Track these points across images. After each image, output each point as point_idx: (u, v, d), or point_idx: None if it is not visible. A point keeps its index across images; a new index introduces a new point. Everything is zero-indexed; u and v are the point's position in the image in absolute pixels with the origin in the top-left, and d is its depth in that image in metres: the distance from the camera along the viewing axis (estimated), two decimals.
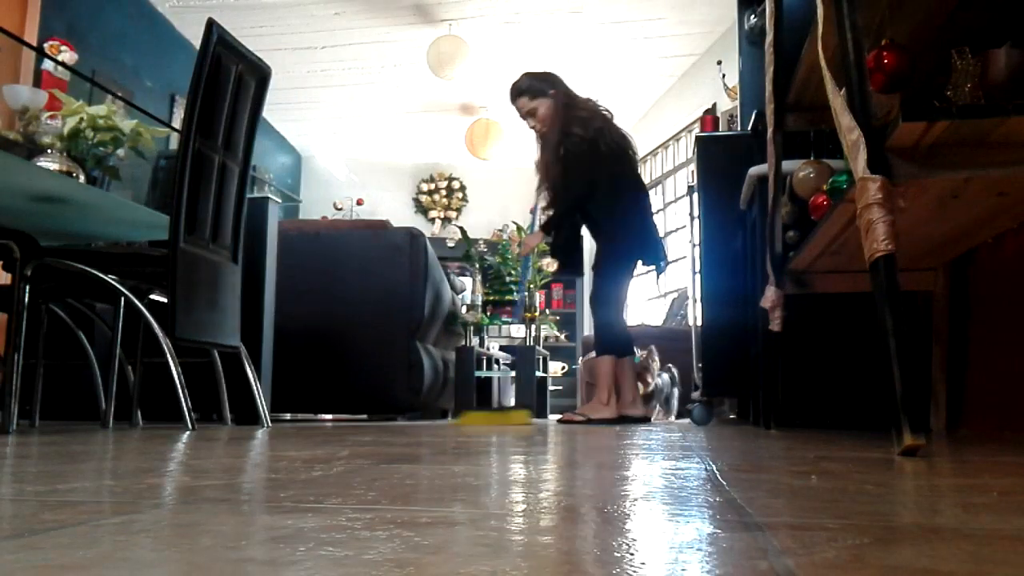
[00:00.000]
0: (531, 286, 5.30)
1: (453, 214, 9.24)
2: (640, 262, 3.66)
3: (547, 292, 8.71)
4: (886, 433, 1.42)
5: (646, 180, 7.88)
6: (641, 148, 7.82)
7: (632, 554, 0.48)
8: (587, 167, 3.45)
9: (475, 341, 5.01)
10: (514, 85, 3.67)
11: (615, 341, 3.55)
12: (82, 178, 2.50)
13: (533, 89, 3.60)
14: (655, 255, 3.64)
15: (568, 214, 3.58)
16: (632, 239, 3.54)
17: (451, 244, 8.44)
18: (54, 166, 2.43)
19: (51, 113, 2.63)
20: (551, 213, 3.62)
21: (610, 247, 3.58)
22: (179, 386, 2.46)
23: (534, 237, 3.79)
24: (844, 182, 2.04)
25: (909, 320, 1.47)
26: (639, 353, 4.43)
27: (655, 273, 3.85)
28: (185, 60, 4.99)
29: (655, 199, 7.76)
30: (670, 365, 4.90)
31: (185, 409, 2.44)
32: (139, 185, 3.46)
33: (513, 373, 5.29)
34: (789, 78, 2.44)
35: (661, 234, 7.49)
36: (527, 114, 3.62)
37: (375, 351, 3.93)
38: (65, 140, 2.52)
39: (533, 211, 4.11)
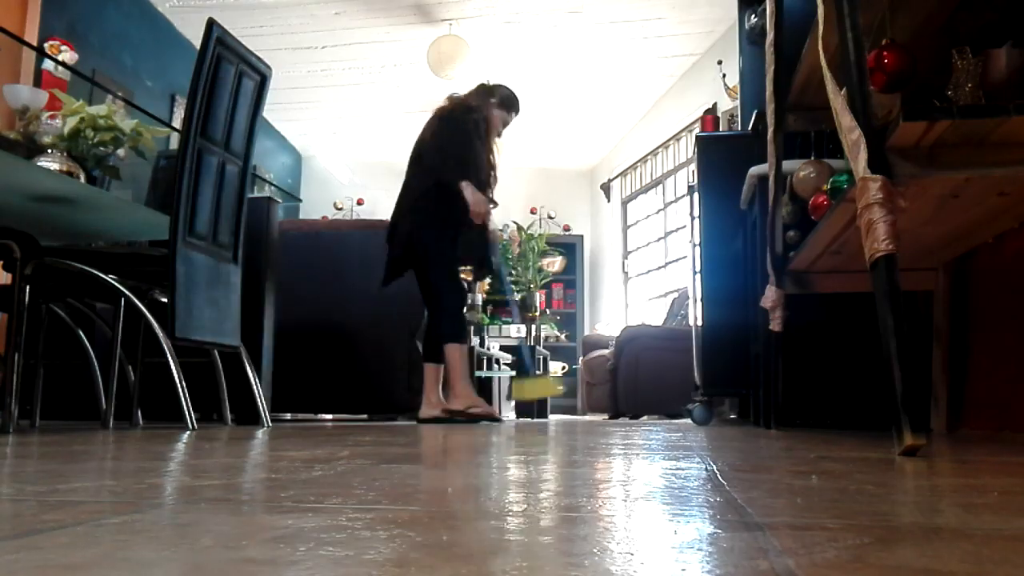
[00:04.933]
0: (532, 286, 5.31)
1: None
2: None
3: (547, 292, 8.71)
4: (886, 433, 1.42)
5: (647, 180, 7.90)
6: (641, 148, 7.87)
7: (632, 554, 0.48)
8: None
9: (475, 341, 5.02)
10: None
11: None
12: (82, 178, 2.50)
13: None
14: None
15: None
16: None
17: None
18: (54, 166, 2.43)
19: (51, 113, 2.63)
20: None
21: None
22: (179, 386, 2.46)
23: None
24: (845, 182, 2.04)
25: (909, 320, 1.47)
26: None
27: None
28: (185, 60, 4.99)
29: (656, 199, 7.77)
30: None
31: (185, 409, 2.44)
32: (139, 185, 3.45)
33: (513, 373, 5.30)
34: (790, 78, 2.44)
35: (662, 234, 7.53)
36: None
37: (375, 351, 3.94)
38: (65, 140, 2.52)
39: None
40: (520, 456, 1.38)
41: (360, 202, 8.73)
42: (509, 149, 8.00)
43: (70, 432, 2.19)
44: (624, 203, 8.38)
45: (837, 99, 1.55)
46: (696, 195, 3.81)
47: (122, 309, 2.69)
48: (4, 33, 3.19)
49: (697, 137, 3.94)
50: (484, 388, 5.28)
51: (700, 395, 3.64)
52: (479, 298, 6.21)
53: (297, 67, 6.76)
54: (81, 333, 2.96)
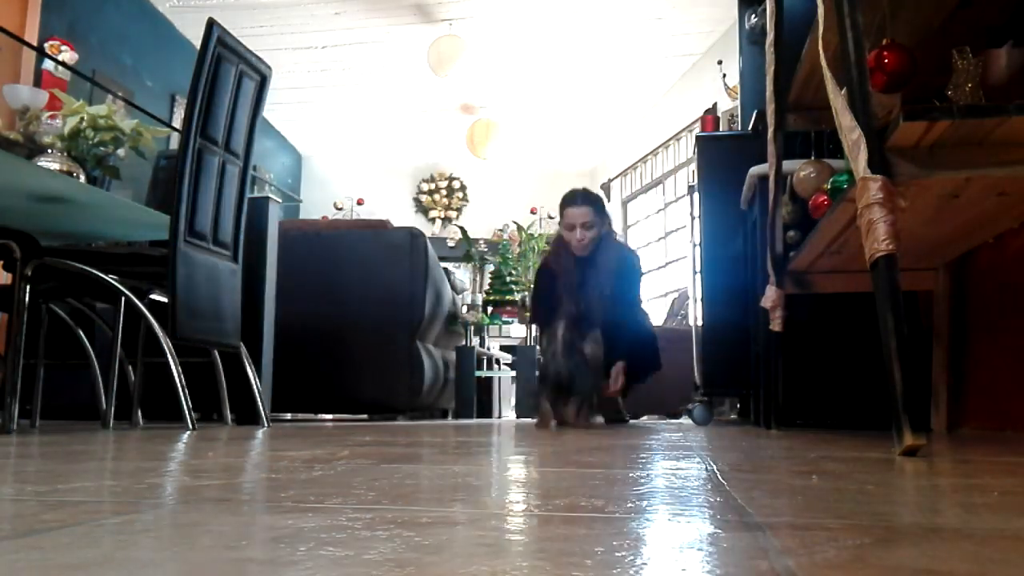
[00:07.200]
0: (532, 286, 5.32)
1: (453, 214, 9.25)
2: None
3: None
4: (887, 433, 1.42)
5: (647, 180, 7.90)
6: (642, 148, 7.87)
7: (632, 554, 0.48)
8: None
9: (475, 341, 5.02)
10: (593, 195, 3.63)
11: None
12: (82, 178, 2.50)
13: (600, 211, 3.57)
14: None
15: None
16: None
17: (451, 244, 8.44)
18: (55, 166, 2.43)
19: (51, 113, 2.63)
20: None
21: None
22: (179, 386, 2.46)
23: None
24: (845, 182, 2.04)
25: (909, 320, 1.46)
26: None
27: None
28: (185, 60, 4.99)
29: (656, 199, 7.77)
30: None
31: (185, 409, 2.44)
32: (139, 185, 3.45)
33: (513, 373, 5.29)
34: (790, 78, 2.44)
35: (662, 234, 7.53)
36: (585, 226, 3.48)
37: (375, 351, 3.94)
38: (65, 140, 2.52)
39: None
40: (520, 456, 1.38)
41: (360, 202, 8.74)
42: (509, 149, 8.02)
43: (70, 432, 2.19)
44: (624, 203, 8.39)
45: (837, 99, 1.55)
46: (696, 195, 3.81)
47: (122, 309, 2.69)
48: (4, 33, 3.19)
49: (697, 137, 3.94)
50: (484, 388, 5.28)
51: (700, 395, 3.64)
52: (479, 298, 6.21)
53: (297, 67, 6.76)
54: (81, 333, 2.96)
